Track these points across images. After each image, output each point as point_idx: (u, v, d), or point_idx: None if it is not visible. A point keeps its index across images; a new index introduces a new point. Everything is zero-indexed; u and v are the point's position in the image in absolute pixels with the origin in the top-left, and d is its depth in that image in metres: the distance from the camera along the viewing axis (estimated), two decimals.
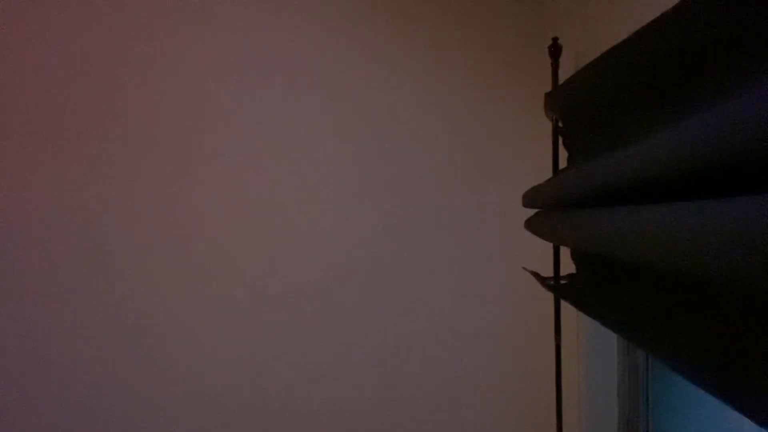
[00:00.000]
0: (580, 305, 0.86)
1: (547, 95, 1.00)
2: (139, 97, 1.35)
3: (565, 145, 1.04)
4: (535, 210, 1.05)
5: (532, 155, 1.38)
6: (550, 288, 1.02)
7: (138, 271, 1.35)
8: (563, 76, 1.00)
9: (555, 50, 1.05)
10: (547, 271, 1.07)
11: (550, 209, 0.94)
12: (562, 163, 1.06)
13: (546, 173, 1.17)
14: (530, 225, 1.02)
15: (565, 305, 1.20)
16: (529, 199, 1.01)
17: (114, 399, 1.35)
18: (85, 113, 1.34)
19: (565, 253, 1.05)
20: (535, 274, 1.06)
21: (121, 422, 1.35)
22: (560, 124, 1.03)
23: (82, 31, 1.34)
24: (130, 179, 1.35)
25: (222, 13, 1.36)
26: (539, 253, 1.30)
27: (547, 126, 1.09)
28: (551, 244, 1.08)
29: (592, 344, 1.18)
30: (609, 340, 1.17)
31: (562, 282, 1.03)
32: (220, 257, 1.37)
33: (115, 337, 1.35)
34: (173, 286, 1.36)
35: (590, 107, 0.82)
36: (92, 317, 1.34)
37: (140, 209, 1.35)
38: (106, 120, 1.34)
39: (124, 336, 1.35)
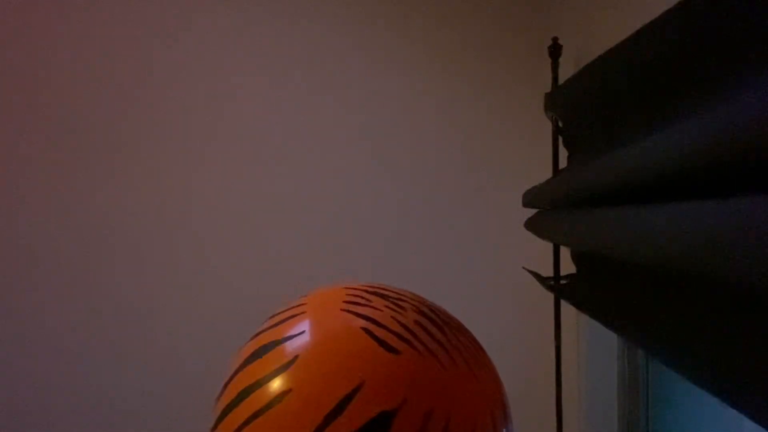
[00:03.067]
0: (580, 305, 0.86)
1: (547, 95, 1.00)
2: (149, 97, 1.35)
3: (565, 145, 1.04)
4: (535, 210, 1.05)
5: (532, 155, 1.38)
6: (550, 288, 1.02)
7: (144, 267, 1.35)
8: (563, 76, 1.00)
9: (555, 50, 1.05)
10: (547, 271, 1.07)
11: (550, 209, 0.94)
12: (562, 163, 1.06)
13: (546, 173, 1.17)
14: (530, 225, 1.02)
15: (565, 305, 1.20)
16: (529, 199, 1.01)
17: (119, 394, 1.35)
18: (96, 114, 1.34)
19: (565, 253, 1.05)
20: (535, 274, 1.06)
21: (125, 416, 1.35)
22: (560, 124, 1.03)
23: (99, 34, 1.34)
24: (139, 178, 1.35)
25: (231, 18, 1.36)
26: (539, 253, 1.30)
27: (547, 126, 1.09)
28: (551, 244, 1.08)
29: (592, 344, 1.18)
30: (609, 340, 1.17)
31: (562, 282, 1.03)
32: (226, 255, 1.37)
33: (121, 333, 1.35)
34: (180, 283, 1.36)
35: (590, 107, 0.82)
36: (99, 313, 1.34)
37: (147, 208, 1.35)
38: (116, 120, 1.35)
39: (131, 331, 1.35)
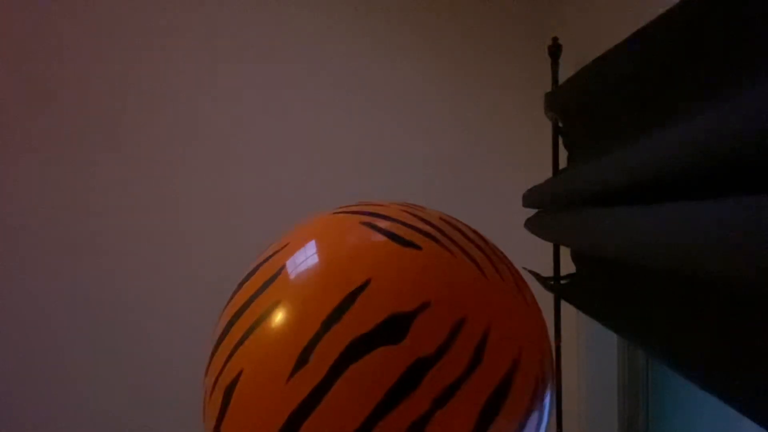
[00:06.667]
0: (581, 305, 0.86)
1: (547, 95, 1.00)
2: (140, 93, 1.35)
3: (565, 145, 1.03)
4: (535, 210, 1.05)
5: (532, 155, 1.38)
6: (550, 288, 1.02)
7: (136, 265, 1.35)
8: (563, 76, 1.00)
9: (555, 50, 1.05)
10: (547, 271, 1.07)
11: (550, 209, 0.94)
12: (562, 163, 1.06)
13: (546, 173, 1.16)
14: (530, 225, 1.02)
15: (565, 305, 1.20)
16: (529, 199, 1.01)
17: (110, 392, 1.35)
18: (86, 110, 1.34)
19: (565, 253, 1.05)
20: (535, 274, 1.06)
21: (116, 415, 1.35)
22: (560, 124, 1.03)
23: (92, 34, 1.34)
24: (131, 176, 1.35)
25: (224, 9, 1.36)
26: (539, 253, 1.29)
27: (547, 126, 1.09)
28: (551, 244, 1.08)
29: (592, 344, 1.18)
30: (609, 340, 1.17)
31: (562, 282, 1.03)
32: (220, 254, 1.37)
33: (112, 330, 1.35)
34: (172, 281, 1.36)
35: (590, 107, 0.82)
36: (89, 310, 1.34)
37: (138, 205, 1.35)
38: (109, 116, 1.35)
39: (121, 328, 1.35)
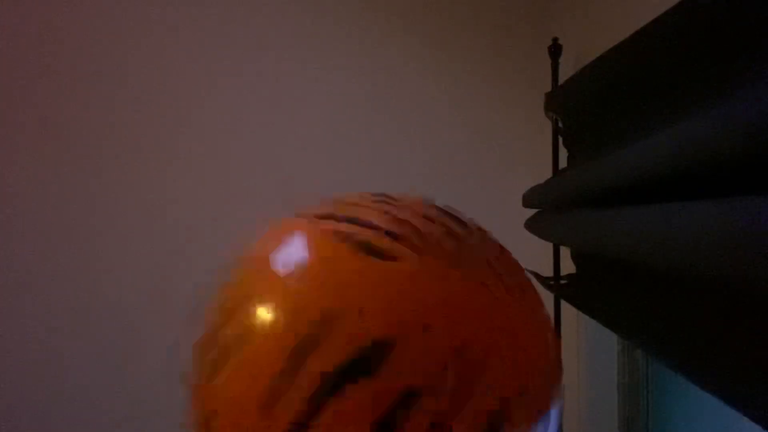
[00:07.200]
0: (581, 305, 0.86)
1: (547, 95, 1.00)
2: (139, 92, 1.35)
3: (565, 145, 1.04)
4: (535, 210, 1.05)
5: (532, 155, 1.38)
6: (550, 288, 1.02)
7: (132, 264, 1.35)
8: (563, 76, 1.00)
9: (555, 50, 1.05)
10: (547, 271, 1.07)
11: (550, 209, 0.94)
12: (562, 163, 1.06)
13: (546, 173, 1.17)
14: (530, 225, 1.02)
15: (565, 305, 1.20)
16: (529, 199, 1.01)
17: (110, 397, 1.34)
18: (86, 110, 1.34)
19: (565, 253, 1.05)
20: (535, 274, 1.06)
21: (116, 421, 1.35)
22: (560, 124, 1.03)
23: (81, 28, 1.34)
24: (130, 176, 1.35)
25: (224, 9, 1.36)
26: (539, 253, 1.30)
27: (547, 126, 1.09)
28: (551, 244, 1.08)
29: (592, 344, 1.18)
30: (609, 340, 1.17)
31: (562, 282, 1.03)
32: (220, 256, 1.37)
33: (112, 331, 1.35)
34: (173, 282, 1.36)
35: (590, 107, 0.82)
36: (85, 311, 1.34)
37: (138, 205, 1.35)
38: (98, 114, 1.35)
39: (121, 329, 1.35)
